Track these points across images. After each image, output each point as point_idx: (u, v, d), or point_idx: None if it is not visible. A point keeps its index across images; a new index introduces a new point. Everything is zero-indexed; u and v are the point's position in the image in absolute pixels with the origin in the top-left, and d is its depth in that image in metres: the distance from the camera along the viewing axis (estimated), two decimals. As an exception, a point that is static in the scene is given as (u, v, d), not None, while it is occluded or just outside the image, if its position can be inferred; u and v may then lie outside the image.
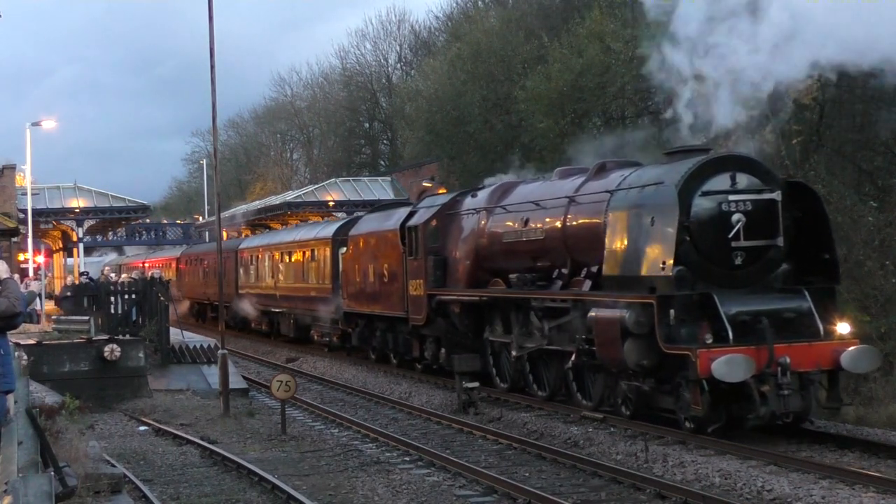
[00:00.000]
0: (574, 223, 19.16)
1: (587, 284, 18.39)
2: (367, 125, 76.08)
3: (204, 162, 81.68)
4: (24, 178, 45.62)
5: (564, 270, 19.49)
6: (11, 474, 7.19)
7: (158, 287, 30.07)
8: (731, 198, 16.12)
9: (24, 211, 42.90)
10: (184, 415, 21.92)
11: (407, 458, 16.57)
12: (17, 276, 10.69)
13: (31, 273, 49.86)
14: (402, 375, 26.63)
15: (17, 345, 17.76)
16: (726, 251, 16.11)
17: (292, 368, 29.49)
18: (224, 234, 45.60)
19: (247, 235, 58.60)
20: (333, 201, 54.83)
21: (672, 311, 15.56)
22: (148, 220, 75.89)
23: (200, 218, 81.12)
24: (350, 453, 17.16)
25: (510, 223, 21.52)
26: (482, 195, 23.38)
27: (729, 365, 14.81)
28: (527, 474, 14.98)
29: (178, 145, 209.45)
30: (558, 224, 19.56)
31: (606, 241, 17.36)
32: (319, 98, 79.87)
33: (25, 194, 43.92)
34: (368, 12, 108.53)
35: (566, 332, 18.86)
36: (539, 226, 20.25)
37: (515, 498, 13.42)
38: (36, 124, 41.74)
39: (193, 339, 30.74)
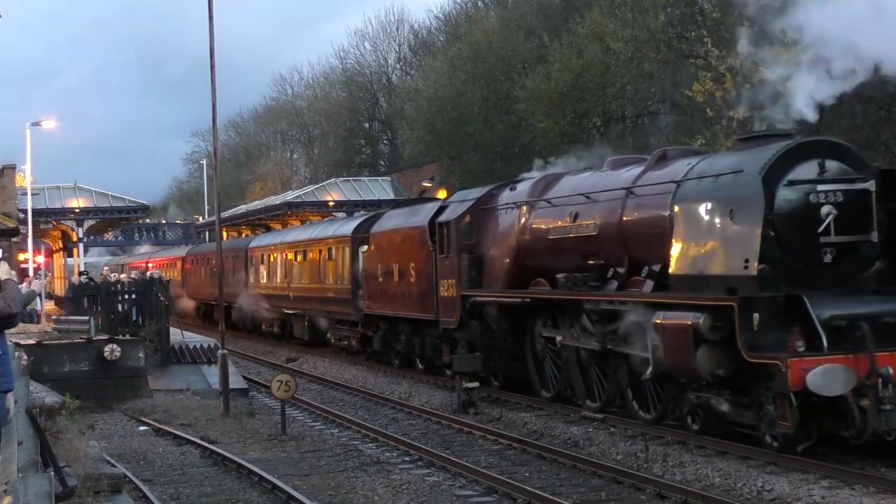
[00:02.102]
0: (633, 217, 17.37)
1: (648, 285, 16.72)
2: (367, 125, 76.18)
3: (204, 162, 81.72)
4: (25, 178, 45.63)
5: (621, 269, 17.66)
6: (11, 474, 7.18)
7: (158, 287, 30.08)
8: (820, 188, 14.43)
9: (24, 211, 42.89)
10: (184, 415, 21.92)
11: (407, 458, 16.56)
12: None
13: (31, 273, 49.86)
14: (403, 375, 26.58)
15: (17, 345, 17.77)
16: (815, 248, 14.46)
17: (292, 368, 29.50)
18: (224, 234, 45.56)
19: (246, 235, 58.60)
20: (333, 201, 54.82)
21: (756, 315, 13.83)
22: (148, 220, 75.90)
23: (200, 218, 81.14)
24: (350, 453, 17.15)
25: (556, 218, 19.71)
26: (522, 188, 21.61)
27: (826, 376, 13.18)
28: (527, 474, 14.97)
29: (183, 145, 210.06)
30: (614, 218, 17.78)
31: (674, 236, 15.74)
32: (320, 98, 79.99)
33: (25, 194, 43.92)
34: (369, 12, 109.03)
35: (624, 337, 17.06)
36: (591, 221, 18.47)
37: (515, 498, 13.41)
38: (36, 124, 41.72)
39: (193, 339, 30.74)
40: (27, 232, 44.72)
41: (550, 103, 38.57)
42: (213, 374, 26.07)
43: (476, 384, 20.88)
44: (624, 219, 17.58)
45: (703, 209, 15.25)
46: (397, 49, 73.50)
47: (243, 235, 61.47)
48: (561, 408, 19.51)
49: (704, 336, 14.40)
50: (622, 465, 14.97)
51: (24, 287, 11.19)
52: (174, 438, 19.04)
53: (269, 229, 55.55)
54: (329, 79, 79.59)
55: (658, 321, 15.43)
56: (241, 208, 68.07)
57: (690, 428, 15.94)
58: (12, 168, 44.32)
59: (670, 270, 15.81)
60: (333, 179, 60.33)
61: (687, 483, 13.69)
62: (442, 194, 42.16)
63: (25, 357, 18.34)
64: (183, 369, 27.48)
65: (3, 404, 9.83)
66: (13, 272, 10.41)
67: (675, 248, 15.68)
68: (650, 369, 15.93)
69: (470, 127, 45.51)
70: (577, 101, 38.38)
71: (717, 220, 14.91)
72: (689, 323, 14.62)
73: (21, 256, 48.57)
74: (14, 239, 42.31)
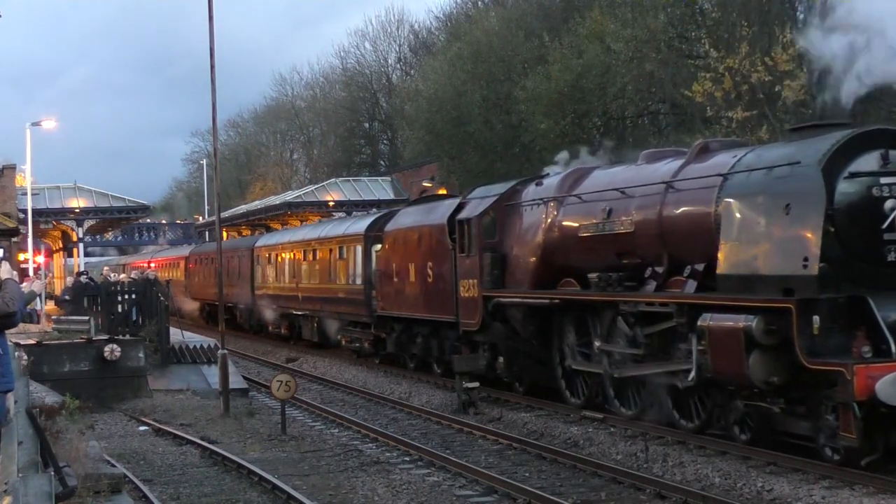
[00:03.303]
0: (674, 213, 16.37)
1: (691, 285, 15.77)
2: (367, 125, 76.21)
3: (204, 162, 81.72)
4: (25, 178, 45.64)
5: (659, 269, 16.67)
6: (11, 474, 7.18)
7: (158, 287, 30.08)
8: (884, 180, 13.51)
9: (24, 211, 42.90)
10: (184, 415, 21.92)
11: (407, 458, 16.57)
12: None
13: (31, 273, 49.83)
14: (402, 375, 26.58)
15: (17, 345, 17.76)
16: (878, 245, 13.53)
17: (292, 368, 29.48)
18: (224, 233, 45.49)
19: (246, 235, 58.56)
20: (333, 201, 54.81)
21: (816, 318, 12.92)
22: (148, 220, 75.94)
23: (201, 218, 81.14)
24: (350, 453, 17.15)
25: (588, 214, 18.63)
26: (549, 183, 20.48)
27: None
28: (527, 474, 14.98)
29: (183, 145, 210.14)
30: (652, 215, 16.75)
31: (721, 233, 14.82)
32: (319, 98, 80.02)
33: (25, 194, 43.92)
34: (369, 12, 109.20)
35: (665, 341, 16.19)
36: (626, 217, 17.41)
37: (515, 498, 13.42)
38: (36, 124, 41.70)
39: (193, 339, 30.73)
40: (27, 232, 44.72)
41: (550, 103, 38.61)
42: (213, 374, 26.06)
43: (476, 384, 20.88)
44: (663, 214, 16.58)
45: (754, 204, 14.42)
46: (397, 49, 73.56)
47: (244, 235, 61.41)
48: (561, 408, 19.49)
49: (757, 340, 13.53)
50: (622, 465, 14.97)
51: (24, 287, 11.18)
52: (174, 438, 19.04)
53: (269, 229, 55.46)
54: (329, 79, 79.69)
55: (704, 324, 14.52)
56: (241, 208, 68.07)
57: (738, 438, 15.02)
58: (12, 168, 44.30)
59: (718, 270, 14.86)
60: (333, 179, 60.34)
61: (687, 483, 13.69)
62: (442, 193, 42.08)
63: (25, 357, 18.34)
64: (183, 369, 27.46)
65: (3, 404, 9.82)
66: (14, 272, 10.41)
67: (723, 246, 14.76)
68: (692, 375, 14.99)
69: (470, 127, 45.53)
70: (577, 101, 38.42)
71: (771, 216, 14.05)
72: (741, 326, 13.73)
73: (21, 256, 48.55)
74: (14, 239, 42.28)
